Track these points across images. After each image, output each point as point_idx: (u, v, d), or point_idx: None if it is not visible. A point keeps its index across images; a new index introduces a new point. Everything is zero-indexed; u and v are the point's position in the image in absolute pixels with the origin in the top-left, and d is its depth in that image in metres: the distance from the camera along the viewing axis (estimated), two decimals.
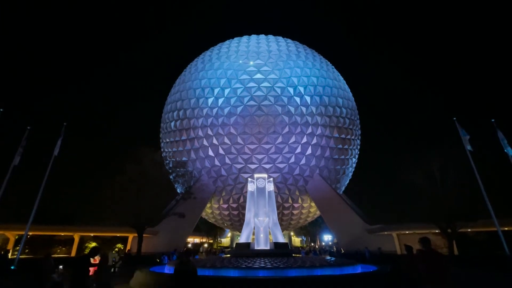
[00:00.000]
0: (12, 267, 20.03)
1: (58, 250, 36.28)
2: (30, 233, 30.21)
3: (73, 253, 33.90)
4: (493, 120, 22.29)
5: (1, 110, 20.81)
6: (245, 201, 33.65)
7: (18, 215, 33.10)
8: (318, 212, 41.32)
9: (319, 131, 37.48)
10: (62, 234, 36.01)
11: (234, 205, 38.91)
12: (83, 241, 36.69)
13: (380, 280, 12.33)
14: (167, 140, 41.66)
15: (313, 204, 39.51)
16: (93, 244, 33.88)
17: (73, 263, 8.35)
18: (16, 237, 32.59)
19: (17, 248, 27.05)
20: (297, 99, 37.40)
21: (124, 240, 37.45)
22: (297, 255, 25.95)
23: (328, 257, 24.87)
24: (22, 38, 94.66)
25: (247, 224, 28.66)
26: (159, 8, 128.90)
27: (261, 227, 26.20)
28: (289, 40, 45.97)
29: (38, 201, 21.71)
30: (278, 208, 34.92)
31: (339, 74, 46.17)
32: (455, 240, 27.46)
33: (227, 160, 36.79)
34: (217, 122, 36.89)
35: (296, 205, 39.41)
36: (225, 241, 64.48)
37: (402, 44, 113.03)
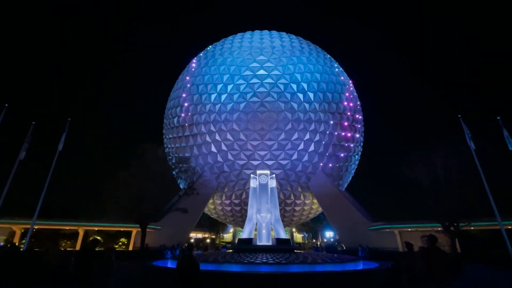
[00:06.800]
0: None
1: (63, 244, 36.88)
2: (36, 227, 30.67)
3: (77, 247, 34.41)
4: (498, 117, 21.99)
5: (7, 105, 20.95)
6: (247, 197, 33.74)
7: (24, 209, 33.59)
8: (320, 209, 41.33)
9: (322, 128, 37.33)
10: (67, 228, 36.55)
11: (237, 201, 39.05)
12: (87, 235, 37.20)
13: (381, 276, 12.40)
14: (170, 136, 41.78)
15: (315, 200, 39.53)
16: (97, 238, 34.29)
17: (79, 255, 8.44)
18: (22, 231, 33.16)
19: (23, 241, 27.51)
20: (300, 96, 37.21)
21: (128, 234, 37.89)
22: (299, 251, 26.10)
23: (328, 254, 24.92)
24: (26, 35, 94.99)
25: (249, 220, 28.79)
26: (164, 4, 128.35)
27: (263, 223, 26.34)
28: (292, 36, 45.58)
29: (44, 195, 21.98)
30: (280, 204, 34.97)
31: (343, 71, 45.77)
32: (457, 238, 27.38)
33: (230, 156, 36.84)
34: (219, 118, 36.87)
35: (298, 201, 39.46)
36: (227, 236, 64.90)
37: (407, 41, 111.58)
